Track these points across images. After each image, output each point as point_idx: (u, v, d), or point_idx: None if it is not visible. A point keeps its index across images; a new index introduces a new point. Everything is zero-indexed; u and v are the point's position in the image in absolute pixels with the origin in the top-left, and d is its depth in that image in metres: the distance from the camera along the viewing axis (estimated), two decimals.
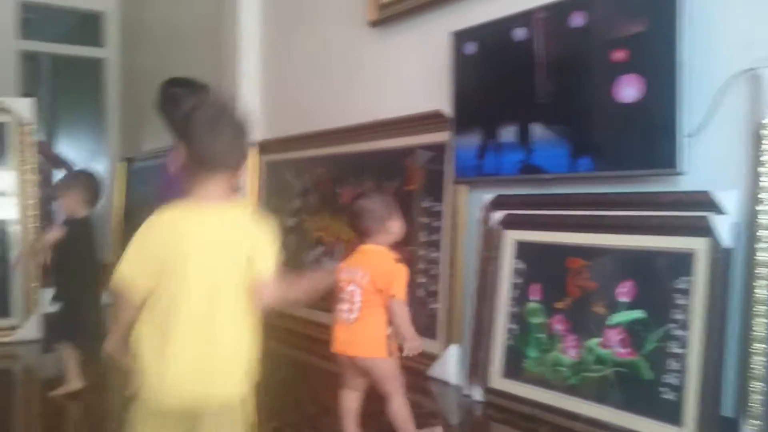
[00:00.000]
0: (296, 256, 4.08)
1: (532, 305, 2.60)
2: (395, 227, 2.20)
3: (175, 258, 1.43)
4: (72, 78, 8.39)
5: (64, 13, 7.55)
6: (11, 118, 3.92)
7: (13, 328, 3.74)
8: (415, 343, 2.07)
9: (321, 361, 3.31)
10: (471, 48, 2.86)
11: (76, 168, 3.19)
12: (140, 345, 1.45)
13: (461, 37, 2.89)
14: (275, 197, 4.37)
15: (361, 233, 2.21)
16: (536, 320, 2.57)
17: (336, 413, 2.26)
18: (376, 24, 3.58)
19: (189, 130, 1.46)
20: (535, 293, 2.60)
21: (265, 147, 4.50)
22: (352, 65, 3.83)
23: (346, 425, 2.20)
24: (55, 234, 2.97)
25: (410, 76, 3.41)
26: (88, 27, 7.57)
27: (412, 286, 3.16)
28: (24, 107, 3.96)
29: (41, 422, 2.60)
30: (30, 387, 3.24)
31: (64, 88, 8.43)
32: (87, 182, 3.18)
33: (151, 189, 6.25)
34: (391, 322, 2.08)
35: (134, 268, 1.45)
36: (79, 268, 2.98)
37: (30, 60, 7.51)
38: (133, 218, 6.54)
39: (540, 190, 2.70)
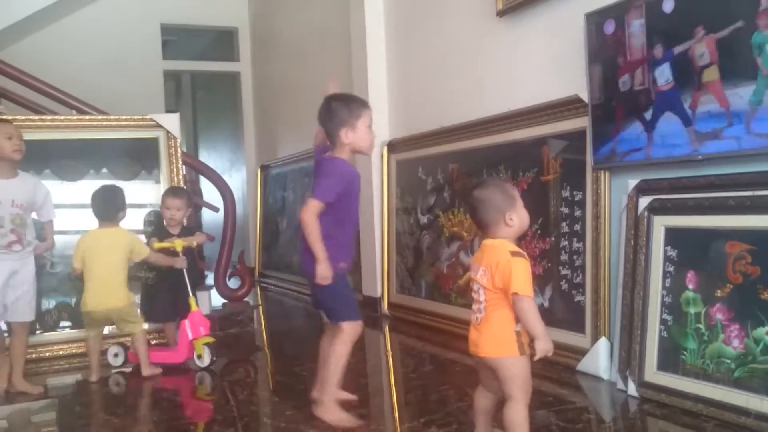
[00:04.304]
0: (432, 252, 4.09)
1: (687, 294, 2.45)
2: (516, 219, 1.93)
3: None
4: (210, 92, 8.88)
5: (199, 33, 8.00)
6: (161, 133, 4.19)
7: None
8: (546, 345, 1.83)
9: (462, 357, 3.29)
10: (609, 27, 2.74)
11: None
12: None
13: (597, 17, 2.78)
14: (407, 195, 4.40)
15: (479, 227, 2.02)
16: (693, 310, 2.42)
17: None
18: (503, 13, 3.52)
19: None
20: (690, 281, 2.45)
21: (394, 146, 4.55)
22: (481, 57, 3.78)
23: (476, 423, 2.10)
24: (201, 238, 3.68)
25: (541, 64, 3.32)
26: (222, 44, 7.98)
27: (555, 278, 3.09)
28: (172, 122, 4.23)
29: None
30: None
31: (203, 102, 8.93)
32: (190, 197, 3.71)
33: (286, 192, 6.49)
34: (518, 321, 1.89)
35: None
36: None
37: (171, 79, 8.02)
38: (270, 220, 6.83)
39: (688, 172, 2.54)
